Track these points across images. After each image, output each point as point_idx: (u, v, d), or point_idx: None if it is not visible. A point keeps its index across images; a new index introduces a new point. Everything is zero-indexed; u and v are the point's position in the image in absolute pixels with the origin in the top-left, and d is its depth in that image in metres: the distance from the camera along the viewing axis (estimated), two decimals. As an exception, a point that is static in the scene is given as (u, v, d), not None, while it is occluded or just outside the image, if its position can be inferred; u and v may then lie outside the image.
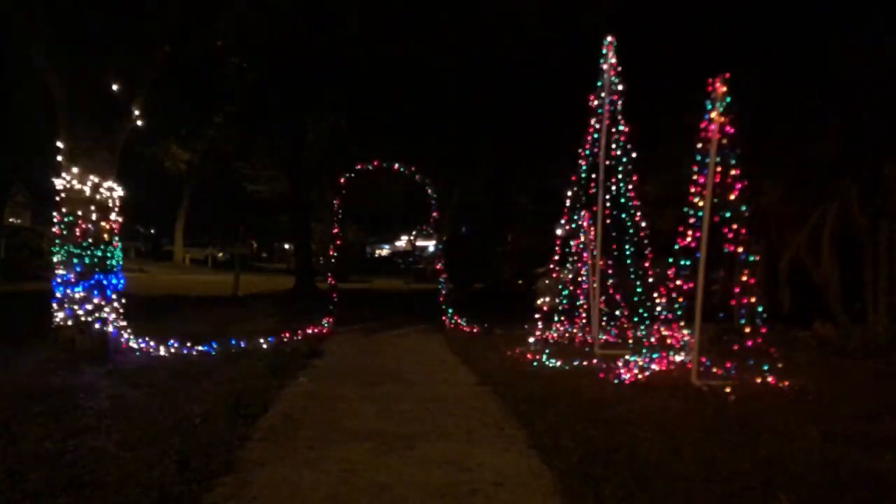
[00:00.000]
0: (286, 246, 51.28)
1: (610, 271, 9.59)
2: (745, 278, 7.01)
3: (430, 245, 51.53)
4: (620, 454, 4.15)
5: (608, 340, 9.33)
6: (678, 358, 7.57)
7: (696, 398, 5.93)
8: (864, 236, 10.28)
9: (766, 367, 6.69)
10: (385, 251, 69.67)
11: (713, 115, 6.62)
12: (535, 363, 7.70)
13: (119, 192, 7.47)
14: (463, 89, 18.52)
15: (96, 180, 7.18)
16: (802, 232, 10.93)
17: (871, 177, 10.18)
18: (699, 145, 6.79)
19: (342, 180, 13.35)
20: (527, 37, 15.20)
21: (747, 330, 7.20)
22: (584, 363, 7.72)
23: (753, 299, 7.04)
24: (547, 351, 7.97)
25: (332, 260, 13.23)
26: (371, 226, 44.91)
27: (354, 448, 4.39)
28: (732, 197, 6.75)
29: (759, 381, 6.55)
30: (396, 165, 12.96)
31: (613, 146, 8.68)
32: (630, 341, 9.23)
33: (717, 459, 4.13)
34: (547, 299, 10.24)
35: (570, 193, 9.15)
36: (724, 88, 6.60)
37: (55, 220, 7.24)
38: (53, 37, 7.09)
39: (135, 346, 7.60)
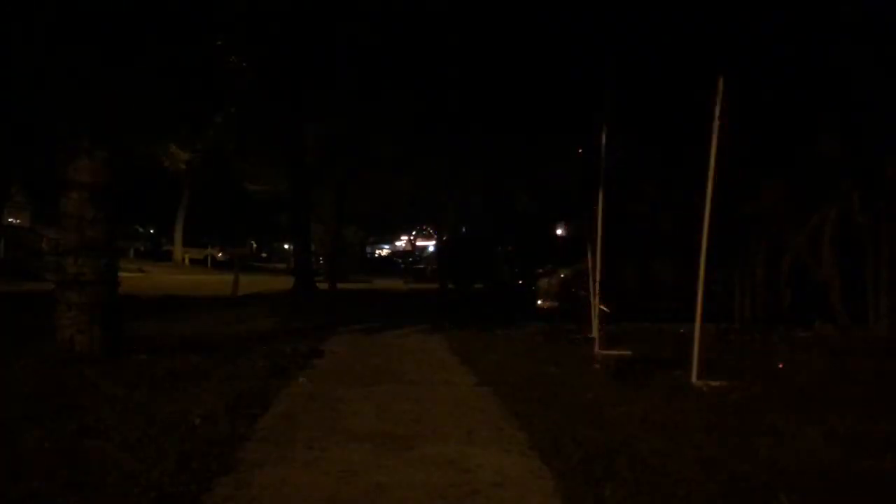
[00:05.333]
0: (286, 246, 51.30)
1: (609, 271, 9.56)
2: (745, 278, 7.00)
3: (430, 245, 51.57)
4: (620, 455, 4.14)
5: (608, 340, 9.30)
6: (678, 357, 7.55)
7: (697, 398, 5.92)
8: (865, 236, 10.27)
9: (766, 367, 6.68)
10: (385, 251, 69.75)
11: (714, 114, 6.61)
12: (534, 363, 7.68)
13: (118, 191, 7.46)
14: (463, 89, 18.50)
15: (96, 180, 7.16)
16: (803, 232, 10.93)
17: (871, 177, 10.17)
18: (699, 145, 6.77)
19: (342, 180, 13.34)
20: (527, 36, 15.18)
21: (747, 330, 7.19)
22: (585, 363, 7.71)
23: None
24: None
25: (332, 261, 13.21)
26: (371, 226, 44.93)
27: (354, 448, 4.38)
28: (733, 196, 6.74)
29: (759, 381, 6.54)
30: (396, 166, 12.94)
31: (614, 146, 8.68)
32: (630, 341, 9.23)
33: (717, 460, 4.12)
34: (547, 300, 10.23)
35: (570, 193, 9.15)
36: (723, 87, 6.59)
37: (54, 219, 7.24)
38: (53, 39, 7.09)
39: (134, 346, 7.59)
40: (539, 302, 14.28)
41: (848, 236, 10.48)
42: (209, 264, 44.00)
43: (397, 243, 69.46)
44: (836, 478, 3.85)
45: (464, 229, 33.37)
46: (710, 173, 6.62)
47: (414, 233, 60.12)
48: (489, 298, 19.56)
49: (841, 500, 3.57)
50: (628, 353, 8.04)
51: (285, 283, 23.75)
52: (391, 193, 29.72)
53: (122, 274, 7.91)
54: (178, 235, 41.87)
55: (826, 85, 10.03)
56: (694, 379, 6.54)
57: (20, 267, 22.49)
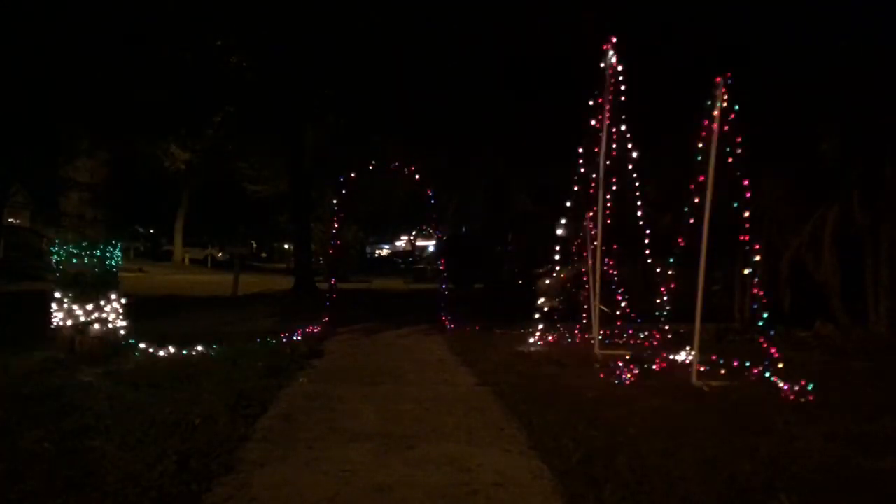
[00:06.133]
0: (286, 246, 51.29)
1: (611, 272, 9.58)
2: (745, 278, 7.01)
3: (430, 245, 51.58)
4: (621, 455, 4.14)
5: (608, 340, 9.31)
6: (679, 358, 7.57)
7: (697, 398, 5.93)
8: (865, 237, 10.26)
9: (766, 368, 6.68)
10: (385, 251, 69.75)
11: (714, 114, 6.62)
12: (534, 363, 7.68)
13: (118, 191, 7.47)
14: (463, 89, 18.50)
15: (96, 180, 7.17)
16: (803, 232, 10.92)
17: (871, 177, 10.16)
18: (700, 145, 6.78)
19: (342, 180, 13.34)
20: (528, 35, 15.19)
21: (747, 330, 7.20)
22: (584, 363, 7.71)
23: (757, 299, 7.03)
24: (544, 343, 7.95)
25: (332, 261, 13.19)
26: (371, 226, 44.90)
27: (354, 448, 4.39)
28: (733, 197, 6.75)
29: (759, 381, 6.54)
30: (396, 164, 12.94)
31: (614, 146, 8.68)
32: (630, 341, 9.25)
33: (717, 460, 4.12)
34: (548, 300, 10.24)
35: (570, 193, 9.15)
36: (725, 88, 6.59)
37: (54, 219, 7.24)
38: (53, 40, 7.10)
39: (134, 346, 7.59)
40: (539, 302, 14.26)
41: (848, 236, 10.47)
42: (209, 264, 43.99)
43: (397, 243, 69.44)
44: (836, 478, 3.85)
45: (464, 229, 33.37)
46: (710, 173, 6.63)
47: (414, 233, 60.12)
48: (489, 298, 19.55)
49: (841, 499, 3.57)
50: (628, 353, 8.03)
51: (285, 283, 23.76)
52: (391, 193, 29.75)
53: (121, 274, 7.90)
54: (177, 235, 41.84)
55: (827, 85, 10.03)
56: (694, 379, 6.55)
57: (20, 267, 22.47)
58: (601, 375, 6.92)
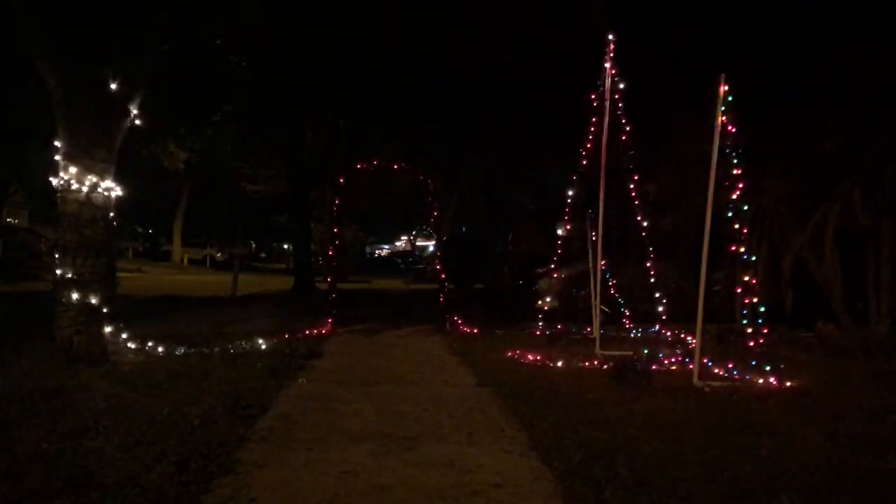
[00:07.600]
0: (285, 246, 51.32)
1: (611, 272, 9.57)
2: (746, 278, 7.00)
3: (430, 245, 51.60)
4: (621, 455, 4.13)
5: (609, 341, 9.29)
6: (680, 359, 7.56)
7: (698, 399, 5.91)
8: (867, 236, 10.24)
9: (768, 368, 6.67)
10: (385, 251, 69.82)
11: (716, 114, 6.60)
12: (534, 364, 7.66)
13: (117, 191, 7.44)
14: (463, 88, 18.50)
15: (94, 179, 7.14)
16: (805, 232, 10.90)
17: (873, 176, 10.15)
18: (700, 144, 6.77)
19: (342, 180, 13.32)
20: (528, 35, 15.19)
21: (749, 330, 7.18)
22: (585, 363, 7.69)
23: (756, 299, 7.02)
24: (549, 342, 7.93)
25: (332, 261, 13.14)
26: (371, 226, 44.91)
27: (354, 449, 4.37)
28: (734, 196, 6.73)
29: (761, 381, 6.53)
30: (396, 164, 12.91)
31: (614, 145, 8.66)
32: (631, 342, 9.23)
33: (718, 461, 4.10)
34: (548, 300, 10.22)
35: (570, 193, 9.13)
36: (726, 87, 6.57)
37: (53, 219, 7.22)
38: (51, 37, 7.06)
39: (133, 346, 7.57)
40: (539, 302, 14.23)
41: (850, 236, 10.44)
42: (208, 264, 43.98)
43: (397, 243, 69.51)
44: (838, 479, 3.83)
45: (464, 229, 33.37)
46: (711, 173, 6.61)
47: (414, 233, 60.17)
48: (489, 298, 19.54)
49: (843, 501, 3.55)
50: (629, 353, 8.01)
51: (285, 283, 23.74)
52: (391, 193, 29.76)
53: (120, 274, 7.89)
54: (176, 235, 41.83)
55: (828, 84, 10.01)
56: (695, 379, 6.54)
57: (19, 267, 22.45)
58: (602, 376, 6.90)
